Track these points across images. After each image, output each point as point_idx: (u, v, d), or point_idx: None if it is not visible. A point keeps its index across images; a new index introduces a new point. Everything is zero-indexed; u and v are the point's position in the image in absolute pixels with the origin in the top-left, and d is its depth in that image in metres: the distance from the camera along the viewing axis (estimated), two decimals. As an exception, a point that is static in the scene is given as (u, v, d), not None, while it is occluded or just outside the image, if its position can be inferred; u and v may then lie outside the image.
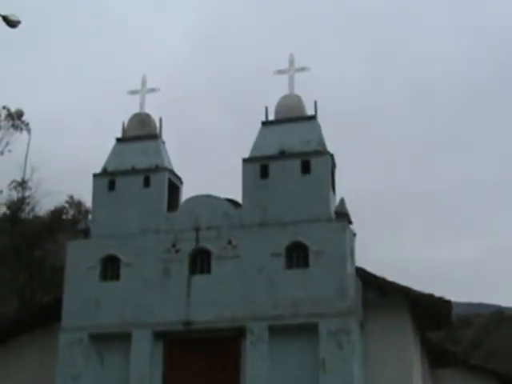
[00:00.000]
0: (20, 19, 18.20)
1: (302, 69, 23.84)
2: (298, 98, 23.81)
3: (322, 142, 22.61)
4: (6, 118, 38.69)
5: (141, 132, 24.54)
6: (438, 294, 21.44)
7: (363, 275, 21.80)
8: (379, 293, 21.91)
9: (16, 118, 38.85)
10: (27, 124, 39.04)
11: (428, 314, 22.70)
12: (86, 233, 23.46)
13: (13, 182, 37.56)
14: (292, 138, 22.79)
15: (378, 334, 21.65)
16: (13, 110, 39.00)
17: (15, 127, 38.75)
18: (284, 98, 23.81)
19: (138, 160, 23.90)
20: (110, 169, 23.99)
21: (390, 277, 21.58)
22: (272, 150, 22.73)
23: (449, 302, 21.67)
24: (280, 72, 23.94)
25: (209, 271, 21.94)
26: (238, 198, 22.79)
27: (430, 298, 21.41)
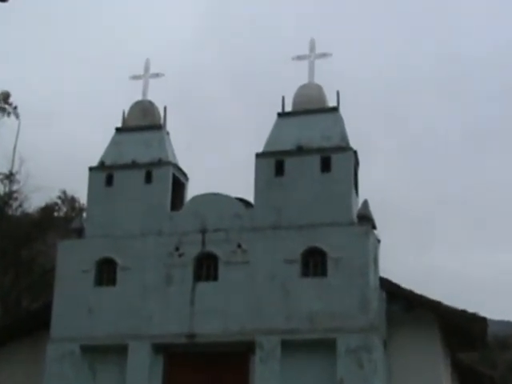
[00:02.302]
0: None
1: (324, 55, 23.91)
2: (319, 87, 23.88)
3: (344, 137, 22.67)
4: (-11, 100, 38.63)
5: (143, 122, 24.68)
6: (471, 309, 21.48)
7: (388, 286, 21.84)
8: (405, 307, 21.94)
9: (2, 101, 38.87)
10: (15, 107, 39.06)
11: (460, 332, 22.68)
12: (79, 232, 23.61)
13: (-1, 174, 37.69)
14: (311, 132, 22.86)
15: (403, 352, 21.67)
16: (-2, 91, 38.95)
17: (1, 110, 38.76)
18: (303, 87, 23.88)
19: (139, 153, 24.03)
20: (107, 162, 24.14)
21: (418, 289, 21.64)
22: (288, 145, 22.81)
23: (484, 320, 21.63)
24: (299, 58, 24.02)
25: (215, 278, 22.05)
26: (250, 198, 22.90)
27: (462, 314, 21.40)
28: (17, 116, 38.98)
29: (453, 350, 24.56)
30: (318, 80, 23.94)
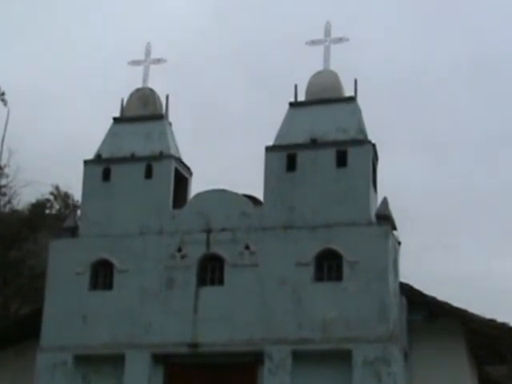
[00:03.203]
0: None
1: (340, 39, 23.89)
2: (335, 74, 23.85)
3: (361, 129, 22.65)
4: (-28, 85, 38.44)
5: (143, 111, 24.70)
6: (501, 319, 21.44)
7: (409, 293, 21.83)
8: (428, 315, 21.96)
9: (-13, 86, 38.63)
10: (3, 93, 38.91)
11: (488, 343, 22.67)
12: (73, 231, 23.65)
13: (-15, 167, 37.69)
14: (326, 124, 22.85)
15: (425, 365, 21.68)
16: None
17: (-13, 96, 38.55)
18: (317, 74, 23.86)
19: (138, 145, 24.05)
20: (104, 155, 24.17)
21: (442, 296, 21.61)
22: (301, 138, 22.80)
23: (514, 330, 21.64)
24: (313, 43, 24.01)
25: (221, 282, 22.09)
26: (259, 195, 22.91)
27: (491, 324, 21.36)
28: (5, 103, 38.88)
29: (480, 363, 24.52)
30: (333, 67, 23.93)
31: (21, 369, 24.10)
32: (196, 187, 24.39)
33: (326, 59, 23.91)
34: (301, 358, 20.92)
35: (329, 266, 21.42)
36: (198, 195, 23.32)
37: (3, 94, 38.80)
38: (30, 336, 23.80)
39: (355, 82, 23.30)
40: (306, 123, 22.99)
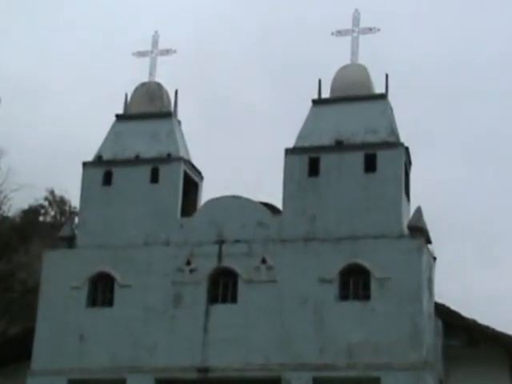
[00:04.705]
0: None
1: (370, 29, 23.92)
2: (363, 69, 23.85)
3: (393, 130, 22.61)
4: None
5: (149, 108, 24.74)
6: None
7: (445, 315, 21.75)
8: (467, 341, 21.86)
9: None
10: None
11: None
12: (70, 241, 23.68)
13: (-27, 169, 37.83)
14: (353, 124, 22.83)
15: (463, 396, 21.62)
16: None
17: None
18: (344, 68, 23.85)
19: (143, 146, 24.08)
20: (106, 156, 24.21)
21: (483, 319, 21.55)
22: (325, 139, 22.79)
23: None
24: (340, 33, 24.03)
25: (234, 300, 22.09)
26: (278, 202, 22.89)
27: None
28: (-5, 97, 39.04)
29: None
30: (362, 60, 23.95)
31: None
32: (207, 193, 24.44)
33: (354, 51, 23.90)
34: (323, 385, 20.92)
35: (355, 283, 21.39)
36: (210, 202, 23.33)
37: None
38: (20, 358, 23.80)
39: (386, 77, 23.30)
40: (330, 123, 22.97)
